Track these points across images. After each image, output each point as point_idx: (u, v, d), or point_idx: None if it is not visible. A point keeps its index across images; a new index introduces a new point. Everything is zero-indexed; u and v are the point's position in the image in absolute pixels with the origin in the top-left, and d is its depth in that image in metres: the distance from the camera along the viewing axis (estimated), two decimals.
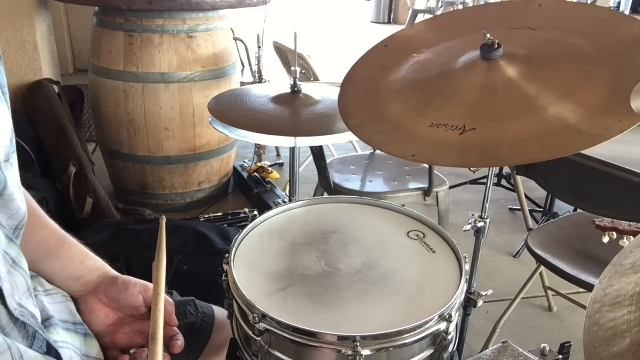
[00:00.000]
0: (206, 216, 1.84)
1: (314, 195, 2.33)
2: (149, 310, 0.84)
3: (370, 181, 2.16)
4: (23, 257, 0.74)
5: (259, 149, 2.88)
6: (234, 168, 2.91)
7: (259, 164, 2.81)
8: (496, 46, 0.98)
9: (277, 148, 3.49)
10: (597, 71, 0.92)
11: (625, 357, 0.46)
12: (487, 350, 0.94)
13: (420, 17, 6.62)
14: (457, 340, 1.04)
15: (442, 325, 0.85)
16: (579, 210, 2.03)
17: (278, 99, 1.49)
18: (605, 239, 1.06)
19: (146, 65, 2.29)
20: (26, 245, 0.76)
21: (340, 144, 3.34)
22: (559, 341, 1.01)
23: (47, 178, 2.19)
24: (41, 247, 0.84)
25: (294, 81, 1.51)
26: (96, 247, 1.64)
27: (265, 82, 2.81)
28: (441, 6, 6.53)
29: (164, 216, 0.93)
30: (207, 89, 2.40)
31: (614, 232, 1.05)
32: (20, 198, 0.72)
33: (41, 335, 0.72)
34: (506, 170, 2.98)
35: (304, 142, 1.62)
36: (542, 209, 2.75)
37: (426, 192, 2.07)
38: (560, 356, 0.96)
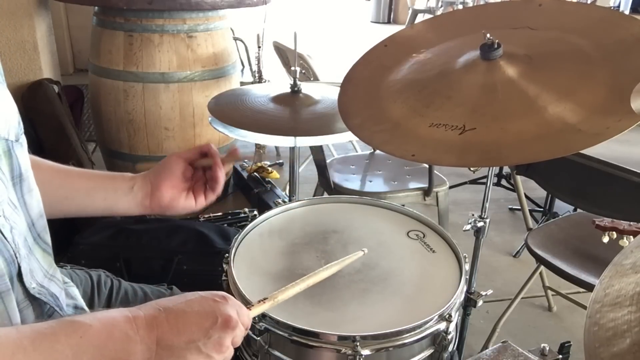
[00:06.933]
0: (206, 216, 1.83)
1: (314, 195, 2.33)
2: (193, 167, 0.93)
3: (370, 181, 2.16)
4: (44, 240, 0.76)
5: (259, 149, 2.87)
6: (234, 168, 2.91)
7: (259, 164, 2.81)
8: (496, 46, 0.98)
9: (277, 148, 3.49)
10: (597, 71, 0.92)
11: (626, 357, 0.46)
12: (487, 350, 0.94)
13: (420, 17, 6.62)
14: (457, 340, 1.05)
15: (442, 325, 0.85)
16: (579, 210, 2.02)
17: (278, 99, 1.48)
18: (605, 239, 1.06)
19: (146, 65, 2.29)
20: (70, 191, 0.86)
21: (340, 144, 3.34)
22: (559, 341, 1.00)
23: None
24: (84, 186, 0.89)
25: (294, 81, 1.51)
26: (96, 247, 1.64)
27: (265, 82, 2.81)
28: (441, 6, 6.52)
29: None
30: (207, 89, 2.40)
31: (614, 232, 1.05)
32: (33, 180, 0.75)
33: (59, 315, 0.74)
34: (506, 170, 2.98)
35: (304, 142, 1.62)
36: (542, 209, 2.75)
37: (426, 192, 2.07)
38: (560, 356, 0.96)
